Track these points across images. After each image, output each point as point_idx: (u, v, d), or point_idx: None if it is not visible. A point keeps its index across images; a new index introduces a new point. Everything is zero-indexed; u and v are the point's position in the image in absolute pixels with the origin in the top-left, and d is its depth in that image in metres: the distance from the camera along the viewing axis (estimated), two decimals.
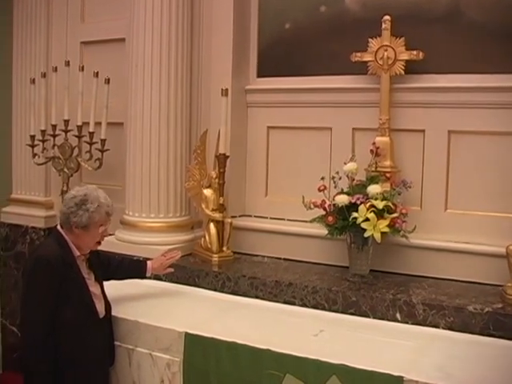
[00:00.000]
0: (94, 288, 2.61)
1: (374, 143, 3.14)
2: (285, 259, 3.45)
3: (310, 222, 3.12)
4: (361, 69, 3.26)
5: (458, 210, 3.13)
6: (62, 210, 2.56)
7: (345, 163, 3.10)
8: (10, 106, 4.34)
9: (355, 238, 3.00)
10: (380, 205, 2.88)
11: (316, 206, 3.05)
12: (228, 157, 3.41)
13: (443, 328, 2.62)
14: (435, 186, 3.17)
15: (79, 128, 3.82)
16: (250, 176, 3.75)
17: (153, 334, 2.62)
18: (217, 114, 3.44)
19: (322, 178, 3.09)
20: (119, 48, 3.85)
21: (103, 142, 3.78)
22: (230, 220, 3.43)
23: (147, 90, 3.46)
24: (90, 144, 3.81)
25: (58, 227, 2.58)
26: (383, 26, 3.14)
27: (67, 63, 3.87)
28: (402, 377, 2.10)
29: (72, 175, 3.96)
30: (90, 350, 2.53)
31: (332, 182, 3.08)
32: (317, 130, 3.49)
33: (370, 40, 3.20)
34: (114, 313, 2.72)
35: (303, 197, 3.09)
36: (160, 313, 2.79)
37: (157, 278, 3.16)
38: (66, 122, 3.87)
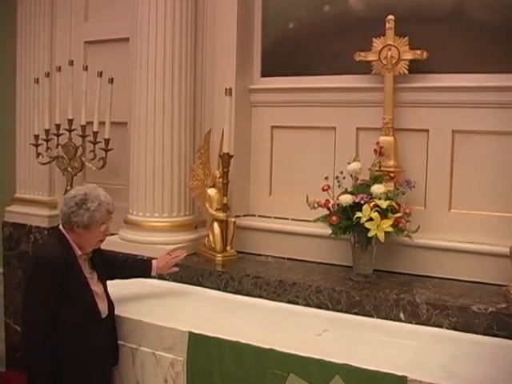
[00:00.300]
0: (96, 287, 2.60)
1: (377, 143, 3.13)
2: (288, 259, 3.45)
3: (314, 221, 3.12)
4: (365, 68, 3.25)
5: (462, 209, 3.12)
6: (62, 209, 2.56)
7: (348, 163, 3.10)
8: (13, 105, 4.35)
9: (359, 238, 3.00)
10: (384, 204, 2.88)
11: (320, 206, 3.06)
12: (232, 156, 3.41)
13: (447, 328, 2.61)
14: (439, 185, 3.16)
15: (83, 127, 3.83)
16: (254, 175, 3.74)
17: (156, 333, 2.62)
18: (221, 114, 3.44)
19: (326, 178, 3.10)
20: (123, 47, 3.84)
21: (107, 141, 3.79)
22: (233, 219, 3.43)
23: (151, 90, 3.46)
24: (94, 143, 3.82)
25: (60, 227, 2.58)
26: (387, 25, 3.14)
27: (71, 63, 3.89)
28: (405, 377, 2.10)
29: (76, 175, 3.97)
30: (92, 349, 2.52)
31: (336, 181, 3.07)
32: (321, 129, 3.49)
33: (373, 39, 3.20)
34: (117, 312, 2.72)
35: (307, 196, 3.08)
36: (164, 312, 2.79)
37: (161, 277, 3.17)
38: (70, 121, 3.87)
